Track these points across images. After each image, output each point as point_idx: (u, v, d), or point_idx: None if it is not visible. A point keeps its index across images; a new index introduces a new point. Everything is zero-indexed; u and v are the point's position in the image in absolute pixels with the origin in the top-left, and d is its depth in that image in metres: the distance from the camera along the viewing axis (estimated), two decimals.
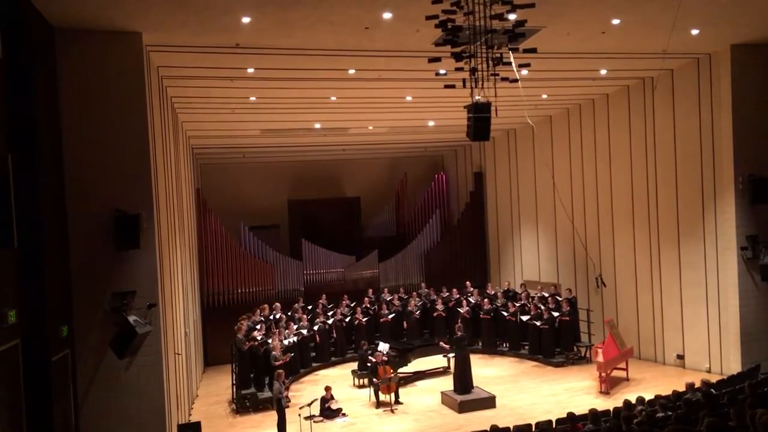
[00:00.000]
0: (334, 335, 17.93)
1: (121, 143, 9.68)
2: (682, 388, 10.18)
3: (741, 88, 13.70)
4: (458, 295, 19.11)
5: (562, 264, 19.15)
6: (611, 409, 9.85)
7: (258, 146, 19.94)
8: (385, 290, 19.77)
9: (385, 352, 14.94)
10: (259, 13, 9.50)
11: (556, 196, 18.26)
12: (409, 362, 15.63)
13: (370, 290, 19.72)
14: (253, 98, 14.37)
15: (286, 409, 12.61)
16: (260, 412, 13.86)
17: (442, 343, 15.80)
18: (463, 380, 13.91)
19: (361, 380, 15.41)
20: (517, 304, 17.75)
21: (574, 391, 14.27)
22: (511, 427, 9.65)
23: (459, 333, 14.63)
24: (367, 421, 13.11)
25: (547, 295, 17.56)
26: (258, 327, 15.41)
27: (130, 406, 9.68)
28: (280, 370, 12.85)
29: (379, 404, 13.91)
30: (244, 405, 14.11)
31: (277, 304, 17.54)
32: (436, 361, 16.25)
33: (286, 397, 13.45)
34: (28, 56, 7.70)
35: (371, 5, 9.45)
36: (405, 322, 18.63)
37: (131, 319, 9.03)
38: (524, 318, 17.17)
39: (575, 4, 10.00)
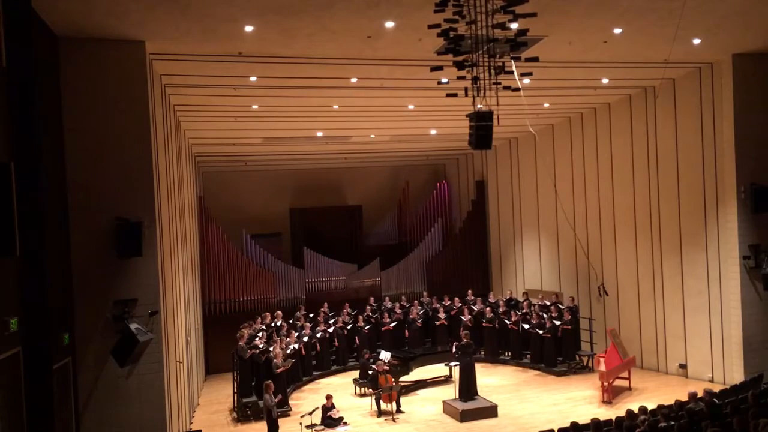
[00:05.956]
0: (336, 343, 17.90)
1: (124, 151, 9.71)
2: (684, 398, 10.14)
3: (743, 97, 13.72)
4: (460, 304, 19.08)
5: (564, 273, 19.12)
6: (614, 419, 9.80)
7: (260, 154, 19.98)
8: (387, 299, 19.73)
9: (387, 361, 14.90)
10: (262, 22, 9.54)
11: (558, 204, 18.26)
12: (411, 371, 15.57)
13: (372, 298, 19.69)
14: (255, 106, 14.41)
15: (288, 417, 12.59)
16: (261, 420, 13.76)
17: (455, 345, 15.57)
18: (467, 387, 13.90)
19: (363, 389, 15.36)
20: (519, 313, 17.72)
21: (577, 400, 14.22)
22: None
23: (465, 340, 14.62)
24: (368, 430, 13.07)
25: (548, 303, 17.52)
26: (260, 335, 15.39)
27: (132, 415, 9.66)
28: (269, 381, 12.72)
29: (380, 413, 13.86)
30: (245, 413, 14.07)
31: (279, 313, 17.52)
32: (438, 369, 16.21)
33: (285, 404, 13.42)
34: (31, 64, 7.72)
35: (373, 14, 9.48)
36: (407, 331, 18.60)
37: (133, 327, 9.03)
38: (526, 326, 17.13)
39: (577, 13, 10.04)
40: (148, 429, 9.76)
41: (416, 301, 19.59)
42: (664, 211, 15.63)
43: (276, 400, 12.39)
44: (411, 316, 18.69)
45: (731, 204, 13.95)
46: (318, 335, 17.32)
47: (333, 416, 13.24)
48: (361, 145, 19.91)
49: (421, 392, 15.56)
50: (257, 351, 14.49)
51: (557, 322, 16.57)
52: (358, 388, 15.63)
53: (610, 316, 17.31)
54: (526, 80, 9.92)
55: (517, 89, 8.82)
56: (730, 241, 14.02)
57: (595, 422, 8.74)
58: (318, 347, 17.26)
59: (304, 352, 16.53)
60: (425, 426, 13.11)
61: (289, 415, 13.71)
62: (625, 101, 16.51)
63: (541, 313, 17.12)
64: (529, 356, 17.33)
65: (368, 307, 19.01)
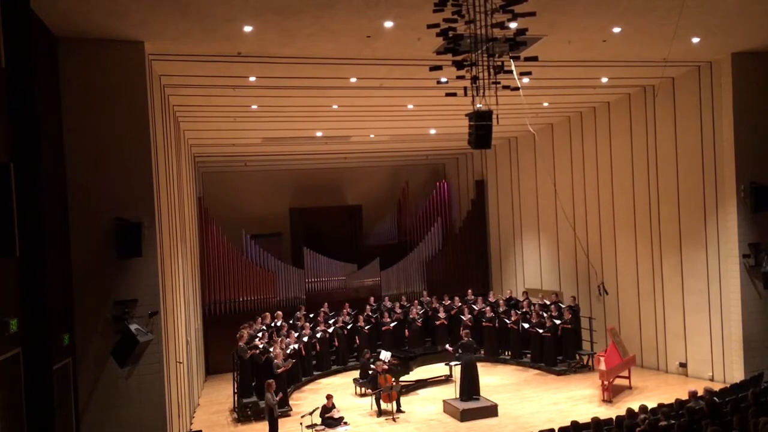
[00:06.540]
0: (336, 343, 17.90)
1: (123, 152, 9.71)
2: (684, 397, 10.15)
3: (742, 96, 13.72)
4: (460, 303, 19.08)
5: (563, 272, 19.12)
6: (614, 418, 9.81)
7: (260, 154, 19.97)
8: (387, 298, 19.73)
9: (387, 361, 14.91)
10: (261, 22, 9.54)
11: (557, 203, 18.26)
12: (411, 371, 15.58)
13: (372, 298, 19.69)
14: (254, 107, 14.41)
15: (288, 417, 12.56)
16: (262, 420, 13.77)
17: (447, 347, 15.73)
18: (470, 386, 13.92)
19: (363, 389, 15.36)
20: (519, 312, 17.72)
21: (577, 399, 14.22)
22: None
23: (466, 339, 14.63)
24: (368, 430, 13.07)
25: (548, 302, 17.53)
26: (260, 335, 15.39)
27: (132, 415, 9.66)
28: (270, 381, 12.76)
29: (380, 413, 13.86)
30: (245, 414, 14.07)
31: (279, 313, 17.52)
32: (438, 369, 16.21)
33: (285, 404, 13.38)
34: (30, 65, 7.72)
35: (372, 14, 9.48)
36: (407, 331, 18.60)
37: (133, 327, 9.02)
38: (526, 326, 17.13)
39: (576, 12, 10.04)
40: (148, 429, 9.76)
41: (416, 301, 19.59)
42: (663, 210, 15.63)
43: (276, 399, 12.40)
44: (411, 316, 18.68)
45: (731, 203, 13.96)
46: (318, 335, 17.31)
47: (333, 416, 13.25)
48: (360, 145, 19.90)
49: (422, 392, 15.57)
50: (257, 351, 14.49)
51: (557, 321, 16.57)
52: (358, 388, 15.63)
53: (610, 315, 17.31)
54: (526, 79, 9.90)
55: (517, 88, 8.82)
56: (730, 240, 14.02)
57: (596, 421, 8.74)
58: (318, 347, 17.25)
59: (304, 352, 16.53)
60: (425, 425, 13.11)
61: (289, 415, 13.72)
62: (625, 100, 16.51)
63: (541, 313, 17.12)
64: (529, 355, 17.33)
65: (368, 307, 19.00)
